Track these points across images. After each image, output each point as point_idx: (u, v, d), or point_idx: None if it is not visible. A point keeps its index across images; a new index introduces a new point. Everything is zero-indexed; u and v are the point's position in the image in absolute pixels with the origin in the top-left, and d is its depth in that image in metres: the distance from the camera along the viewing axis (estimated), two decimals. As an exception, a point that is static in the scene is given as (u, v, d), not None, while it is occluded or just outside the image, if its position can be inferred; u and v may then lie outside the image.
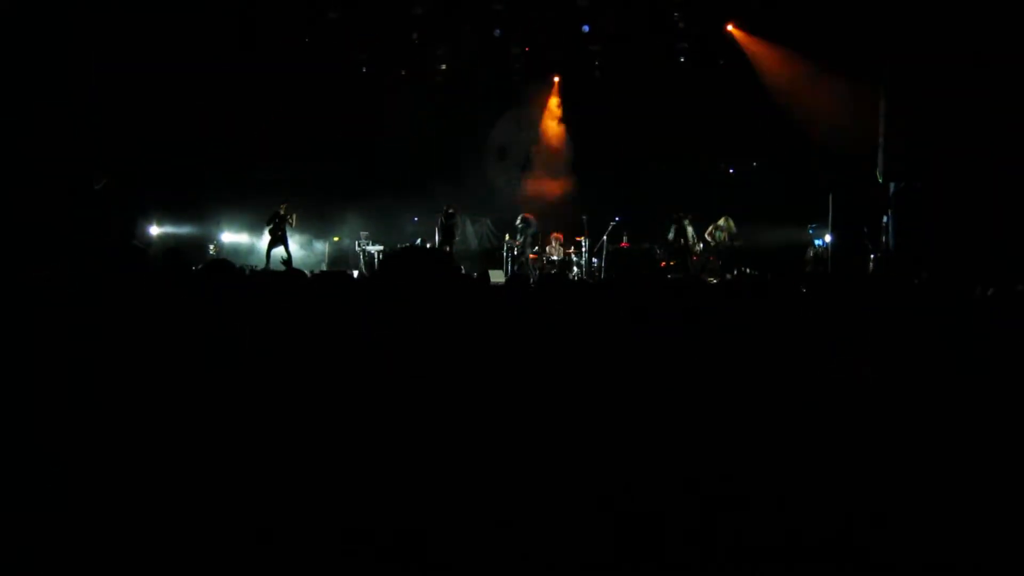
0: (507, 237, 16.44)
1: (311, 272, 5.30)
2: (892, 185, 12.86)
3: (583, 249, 15.96)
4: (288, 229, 15.23)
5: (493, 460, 2.81)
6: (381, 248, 16.44)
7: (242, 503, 2.48)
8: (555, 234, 16.23)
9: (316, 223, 17.08)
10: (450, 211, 15.86)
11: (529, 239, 16.10)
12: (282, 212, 15.11)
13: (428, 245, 16.16)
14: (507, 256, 16.34)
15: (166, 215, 16.14)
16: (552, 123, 18.03)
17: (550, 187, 17.81)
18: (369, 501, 2.57)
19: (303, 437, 2.70)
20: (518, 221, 16.19)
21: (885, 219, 13.15)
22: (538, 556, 2.47)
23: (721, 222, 15.33)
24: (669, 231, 15.35)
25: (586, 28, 16.22)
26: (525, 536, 2.52)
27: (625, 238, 16.15)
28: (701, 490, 2.75)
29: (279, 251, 15.08)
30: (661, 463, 2.87)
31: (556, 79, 17.57)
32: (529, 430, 2.96)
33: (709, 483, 2.79)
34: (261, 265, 14.56)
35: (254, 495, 2.51)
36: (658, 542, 2.55)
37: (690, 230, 15.32)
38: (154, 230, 15.84)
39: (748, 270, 14.36)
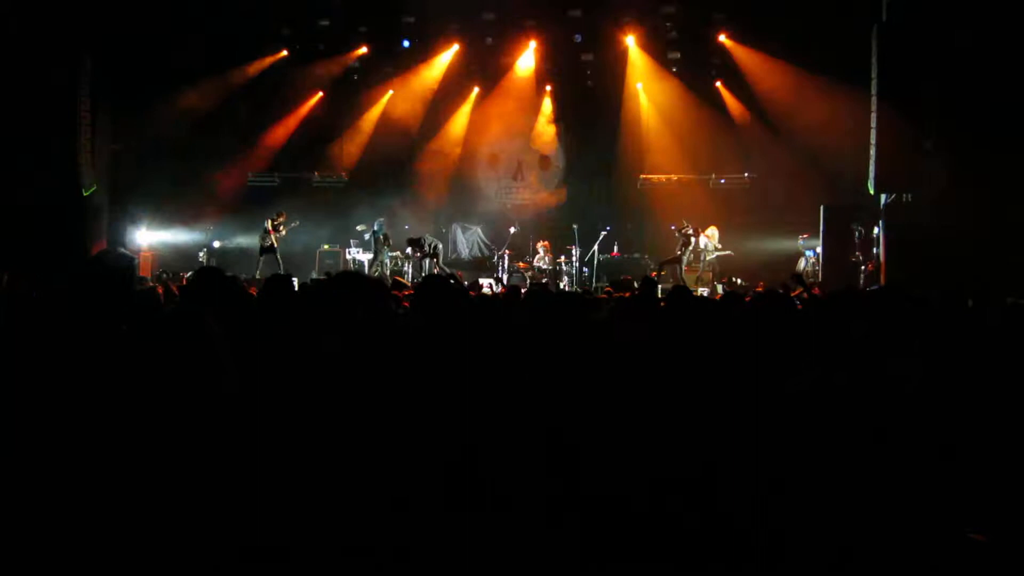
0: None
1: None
2: (883, 197, 12.91)
3: (573, 258, 15.97)
4: (278, 237, 15.20)
5: (482, 463, 2.79)
6: (371, 257, 16.40)
7: (236, 511, 2.44)
8: (543, 242, 16.18)
9: (307, 231, 17.02)
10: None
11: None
12: (273, 221, 15.10)
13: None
14: (498, 264, 16.33)
15: (157, 221, 16.09)
16: (544, 131, 18.02)
17: (540, 196, 17.83)
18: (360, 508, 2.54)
19: (294, 444, 2.67)
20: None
21: (876, 230, 13.21)
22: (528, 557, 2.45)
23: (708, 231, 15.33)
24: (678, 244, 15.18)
25: (579, 37, 16.29)
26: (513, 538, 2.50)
27: (616, 247, 16.17)
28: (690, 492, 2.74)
29: (270, 259, 15.03)
30: (647, 465, 2.85)
31: (548, 88, 17.52)
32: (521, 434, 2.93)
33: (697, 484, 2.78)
34: (252, 273, 14.50)
35: (249, 503, 2.47)
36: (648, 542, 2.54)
37: (700, 242, 15.13)
38: (144, 236, 15.76)
39: (739, 280, 14.35)
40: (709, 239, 15.25)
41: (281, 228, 15.20)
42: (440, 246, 15.92)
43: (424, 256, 15.47)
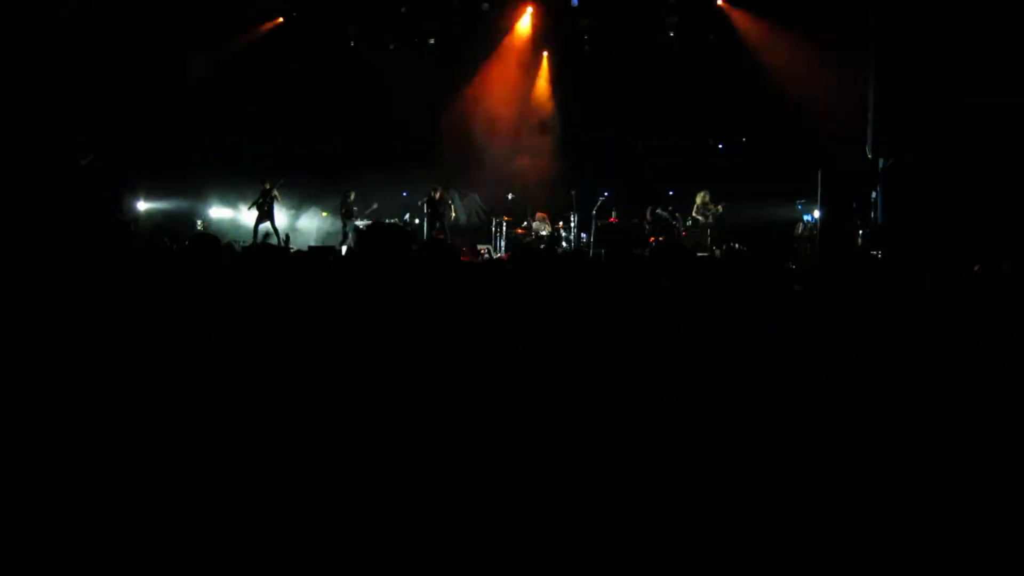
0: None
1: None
2: (881, 160, 12.85)
3: (571, 225, 15.92)
4: (275, 204, 15.20)
5: (484, 454, 2.79)
6: (369, 223, 16.39)
7: (235, 497, 2.45)
8: (540, 213, 16.14)
9: (304, 198, 17.01)
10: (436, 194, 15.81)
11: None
12: (267, 187, 15.09)
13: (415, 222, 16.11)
14: (495, 232, 16.30)
15: (153, 190, 16.09)
16: (542, 97, 17.88)
17: (538, 161, 17.74)
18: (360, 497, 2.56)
19: (287, 422, 2.67)
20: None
21: (874, 195, 13.17)
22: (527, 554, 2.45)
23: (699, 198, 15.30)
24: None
25: (575, 2, 16.13)
26: (515, 533, 2.50)
27: (614, 213, 16.11)
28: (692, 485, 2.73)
29: (265, 227, 15.04)
30: (653, 456, 2.84)
31: (545, 53, 17.37)
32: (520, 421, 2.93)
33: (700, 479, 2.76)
34: (248, 240, 14.48)
35: (247, 488, 2.48)
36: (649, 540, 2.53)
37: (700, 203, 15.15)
38: (141, 205, 15.77)
39: (736, 245, 14.32)
40: (697, 204, 15.22)
41: (277, 193, 15.18)
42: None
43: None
